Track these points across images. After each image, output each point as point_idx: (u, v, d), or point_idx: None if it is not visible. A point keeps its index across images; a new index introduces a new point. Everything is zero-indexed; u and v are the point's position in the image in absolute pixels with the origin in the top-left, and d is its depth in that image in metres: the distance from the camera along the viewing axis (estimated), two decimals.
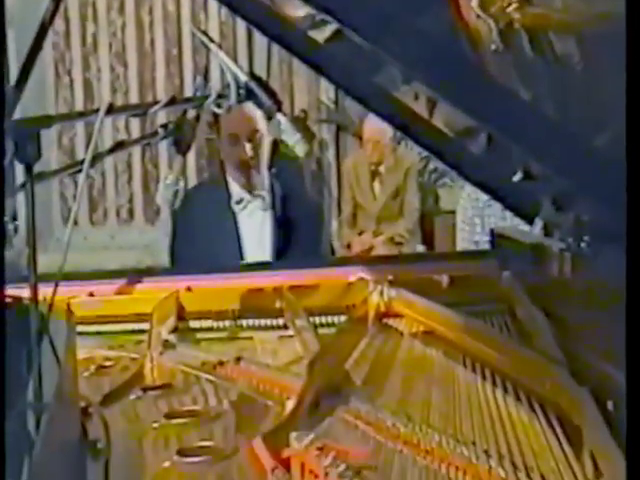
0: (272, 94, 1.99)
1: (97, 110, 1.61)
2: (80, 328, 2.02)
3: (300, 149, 1.99)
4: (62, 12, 7.15)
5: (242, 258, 3.11)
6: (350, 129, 7.18)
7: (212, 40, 2.03)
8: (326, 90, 7.21)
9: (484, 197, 4.44)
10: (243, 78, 1.93)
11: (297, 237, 3.11)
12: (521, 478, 1.25)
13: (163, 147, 7.19)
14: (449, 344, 2.00)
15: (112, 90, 7.23)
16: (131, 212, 7.46)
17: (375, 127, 5.98)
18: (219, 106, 1.98)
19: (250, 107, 2.97)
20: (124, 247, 6.18)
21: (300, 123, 2.00)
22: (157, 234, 6.77)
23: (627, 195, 1.22)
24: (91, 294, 2.42)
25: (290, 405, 1.54)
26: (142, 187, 7.38)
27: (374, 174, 6.22)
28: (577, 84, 1.99)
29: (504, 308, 2.26)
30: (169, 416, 1.61)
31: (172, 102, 1.83)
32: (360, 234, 6.17)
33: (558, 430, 1.42)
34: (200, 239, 3.10)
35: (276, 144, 4.40)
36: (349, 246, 6.11)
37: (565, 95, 2.03)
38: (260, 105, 1.97)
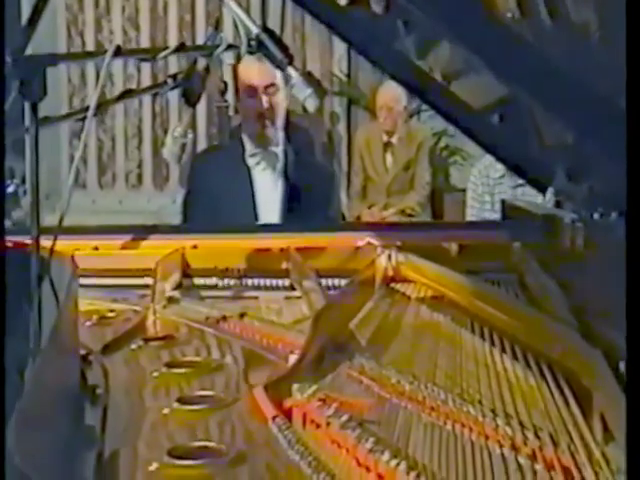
0: (284, 47, 1.96)
1: (105, 51, 1.59)
2: (83, 280, 2.00)
3: (311, 104, 1.96)
4: None
5: (255, 216, 3.12)
6: (362, 102, 7.15)
7: None
8: (338, 62, 7.19)
9: (495, 174, 4.42)
10: (255, 30, 1.89)
11: (308, 200, 3.11)
12: (529, 437, 1.22)
13: (174, 111, 7.17)
14: (457, 308, 1.98)
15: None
16: (140, 178, 7.46)
17: (389, 93, 5.97)
18: (236, 57, 1.96)
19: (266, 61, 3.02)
20: (132, 212, 6.16)
21: (311, 78, 1.96)
22: (165, 200, 6.75)
23: (627, 201, 1.20)
24: (95, 248, 2.40)
25: (293, 358, 1.51)
26: (152, 153, 7.38)
27: (386, 146, 6.21)
28: (594, 53, 1.96)
29: (513, 278, 2.24)
30: (170, 365, 1.59)
31: (181, 48, 1.80)
32: (370, 207, 6.16)
33: (567, 392, 1.39)
34: (215, 196, 3.11)
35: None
36: (359, 219, 6.09)
37: (582, 64, 1.99)
38: (271, 58, 1.94)
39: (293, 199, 3.13)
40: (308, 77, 1.96)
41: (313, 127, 6.06)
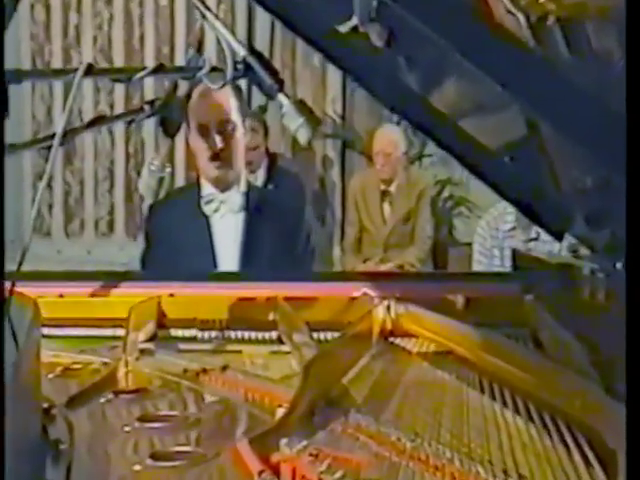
0: (273, 71, 1.96)
1: (75, 70, 1.60)
2: (47, 331, 2.01)
3: (303, 135, 1.96)
4: None
5: (215, 267, 3.11)
6: (358, 146, 7.19)
7: (209, 9, 2.02)
8: (332, 102, 7.24)
9: (505, 227, 4.44)
10: (242, 52, 1.90)
11: (273, 248, 3.09)
12: None
13: (150, 149, 7.20)
14: (464, 364, 1.98)
15: (95, 89, 7.24)
16: (111, 225, 7.47)
17: (387, 137, 6.02)
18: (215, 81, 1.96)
19: (222, 94, 3.03)
20: (102, 263, 6.17)
21: (303, 106, 1.97)
22: (139, 250, 6.75)
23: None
24: (60, 296, 2.41)
25: (281, 412, 1.51)
26: (124, 198, 7.39)
27: (384, 194, 6.25)
28: (618, 83, 1.98)
29: (526, 333, 2.23)
30: (142, 419, 1.58)
31: (160, 69, 1.79)
32: (365, 262, 6.19)
33: (589, 453, 1.39)
34: (172, 250, 3.10)
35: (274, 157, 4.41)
36: None
37: (605, 94, 2.01)
38: (259, 84, 1.95)
39: (257, 245, 3.11)
40: (300, 105, 1.96)
41: (303, 173, 6.10)
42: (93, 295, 2.44)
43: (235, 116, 3.10)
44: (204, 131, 3.09)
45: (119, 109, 7.19)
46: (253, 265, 3.06)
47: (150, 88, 6.95)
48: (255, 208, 3.14)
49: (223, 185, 3.13)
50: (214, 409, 1.70)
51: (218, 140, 3.07)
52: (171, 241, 3.11)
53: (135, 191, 7.22)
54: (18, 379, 1.33)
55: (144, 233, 3.29)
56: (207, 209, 3.14)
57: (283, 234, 3.12)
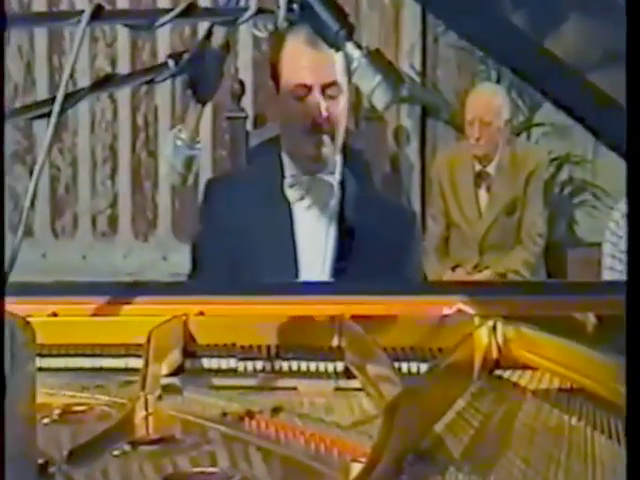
0: (340, 13, 1.97)
1: (79, 13, 1.63)
2: (38, 361, 2.02)
3: (381, 98, 1.97)
4: None
5: (296, 272, 3.16)
6: (443, 114, 7.17)
7: None
8: (409, 54, 7.22)
9: None
10: None
11: (375, 255, 3.11)
12: None
13: (166, 117, 7.21)
14: (597, 404, 1.99)
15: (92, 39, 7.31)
16: (113, 222, 7.51)
17: (484, 101, 6.02)
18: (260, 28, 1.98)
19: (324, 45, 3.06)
20: (100, 272, 6.21)
21: (381, 59, 1.98)
22: (151, 256, 6.80)
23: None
24: (54, 314, 2.44)
25: (357, 468, 1.53)
26: (131, 185, 7.43)
27: (479, 178, 6.25)
28: None
29: None
30: None
31: (189, 11, 1.80)
32: (454, 268, 6.21)
33: None
34: (239, 240, 3.15)
35: None
36: None
37: None
38: (322, 30, 1.95)
39: (351, 251, 3.15)
40: (377, 57, 1.97)
41: (370, 149, 6.10)
42: (97, 314, 2.46)
43: (341, 77, 3.14)
44: (303, 92, 3.15)
45: (123, 66, 7.23)
46: (342, 277, 3.12)
47: (165, 37, 6.98)
48: (352, 203, 3.20)
49: (317, 165, 3.19)
50: (265, 465, 1.71)
51: (324, 106, 3.13)
52: (236, 233, 3.16)
53: (146, 177, 7.28)
54: (10, 431, 1.36)
55: (199, 219, 3.33)
56: (291, 194, 3.20)
57: (386, 242, 3.16)
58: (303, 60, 3.14)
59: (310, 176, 3.20)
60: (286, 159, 3.24)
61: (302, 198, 3.20)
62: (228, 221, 3.19)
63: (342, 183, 3.23)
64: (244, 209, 3.19)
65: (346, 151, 5.32)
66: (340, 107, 3.16)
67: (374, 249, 3.12)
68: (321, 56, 3.08)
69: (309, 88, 3.14)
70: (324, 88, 3.13)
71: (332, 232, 3.19)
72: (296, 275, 3.16)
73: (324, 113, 3.12)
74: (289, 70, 3.18)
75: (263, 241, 3.15)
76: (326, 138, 3.15)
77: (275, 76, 3.21)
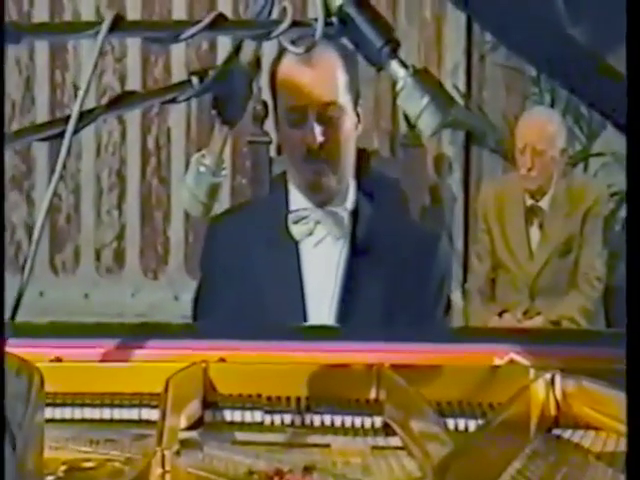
0: (384, 28, 1.97)
1: (99, 23, 1.63)
2: None
3: (429, 122, 1.97)
4: None
5: (304, 316, 3.16)
6: (490, 140, 7.17)
7: None
8: (452, 72, 7.23)
9: None
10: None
11: (389, 295, 3.11)
12: None
13: (180, 142, 7.22)
14: None
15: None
16: (120, 256, 7.54)
17: (537, 127, 5.99)
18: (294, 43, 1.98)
19: (325, 61, 3.06)
20: (105, 313, 6.21)
21: (430, 78, 1.98)
22: (162, 295, 6.80)
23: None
24: (57, 359, 2.44)
25: None
26: (140, 215, 7.46)
27: (531, 213, 6.24)
28: None
29: None
30: None
31: (217, 24, 1.80)
32: (502, 314, 6.19)
33: None
34: (243, 284, 3.15)
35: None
36: None
37: None
38: (364, 46, 1.95)
39: (360, 292, 3.14)
40: (425, 77, 1.97)
41: (407, 178, 6.09)
42: (105, 359, 2.47)
43: (343, 96, 3.14)
44: (298, 117, 3.15)
45: (133, 83, 7.25)
46: (356, 319, 3.10)
47: (181, 52, 7.00)
48: (366, 235, 3.20)
49: (321, 196, 3.19)
50: None
51: (318, 131, 3.11)
52: (240, 276, 3.17)
53: (156, 206, 7.29)
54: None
55: (200, 264, 3.34)
56: (297, 231, 3.20)
57: (406, 276, 3.16)
58: (296, 78, 3.14)
59: (318, 208, 3.20)
60: (292, 191, 3.25)
61: (310, 233, 3.20)
62: (232, 264, 3.21)
63: (355, 213, 3.21)
64: (249, 250, 3.21)
65: (373, 178, 5.34)
66: (344, 130, 3.16)
67: (390, 289, 3.14)
68: (317, 74, 3.10)
69: (303, 111, 3.14)
70: (322, 109, 3.13)
71: (341, 271, 3.19)
72: (304, 320, 3.15)
73: (319, 139, 3.11)
74: (282, 89, 3.19)
75: (268, 286, 3.16)
76: (324, 166, 3.15)
77: (273, 97, 3.24)
